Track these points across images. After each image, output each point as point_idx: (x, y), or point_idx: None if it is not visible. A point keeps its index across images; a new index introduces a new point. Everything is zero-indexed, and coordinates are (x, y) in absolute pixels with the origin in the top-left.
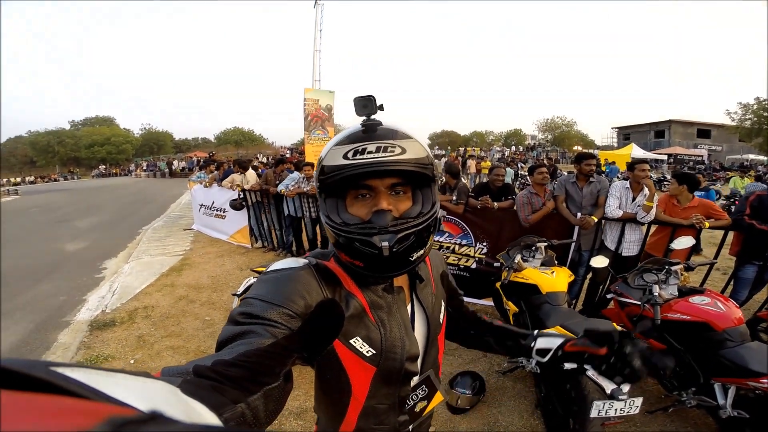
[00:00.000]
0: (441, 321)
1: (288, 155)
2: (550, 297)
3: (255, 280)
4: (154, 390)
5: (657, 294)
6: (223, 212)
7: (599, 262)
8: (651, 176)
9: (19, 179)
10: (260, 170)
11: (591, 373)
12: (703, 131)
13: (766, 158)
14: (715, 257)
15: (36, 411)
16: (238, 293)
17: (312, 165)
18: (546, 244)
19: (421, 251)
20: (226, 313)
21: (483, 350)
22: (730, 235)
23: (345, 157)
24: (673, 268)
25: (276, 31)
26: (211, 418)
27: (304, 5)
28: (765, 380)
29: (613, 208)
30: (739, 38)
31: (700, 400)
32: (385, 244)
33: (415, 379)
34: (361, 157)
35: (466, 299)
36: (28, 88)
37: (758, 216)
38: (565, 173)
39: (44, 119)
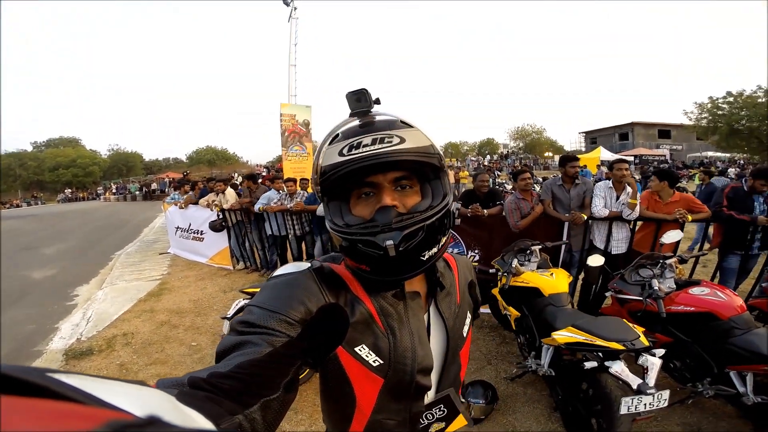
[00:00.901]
0: (465, 335)
1: (264, 173)
2: (553, 299)
3: (245, 301)
4: (150, 397)
5: (657, 288)
6: (201, 234)
7: (595, 261)
8: (633, 175)
9: None
10: (239, 189)
11: (615, 369)
12: (664, 132)
13: (723, 155)
14: (699, 249)
15: (36, 415)
16: (228, 316)
17: (293, 180)
18: (540, 246)
19: (435, 249)
20: (214, 338)
21: None
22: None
23: (341, 153)
24: (668, 261)
25: (248, 47)
26: (207, 426)
27: (278, 19)
28: None
29: (599, 207)
30: (705, 38)
31: (717, 390)
32: (390, 242)
33: (430, 395)
34: (357, 151)
35: None
36: None
37: (735, 207)
38: (540, 178)
39: (4, 141)
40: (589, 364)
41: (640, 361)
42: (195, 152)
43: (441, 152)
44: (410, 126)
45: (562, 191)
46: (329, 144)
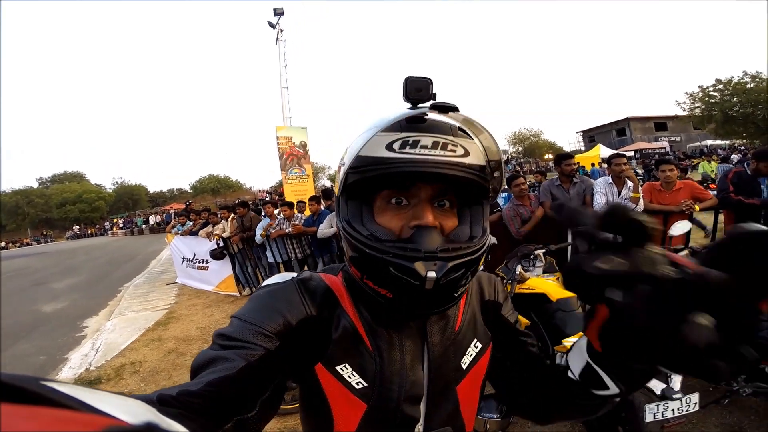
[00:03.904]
0: (464, 367)
1: (267, 198)
2: (562, 304)
3: None
4: (137, 408)
5: None
6: (206, 263)
7: None
8: (636, 170)
9: None
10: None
11: None
12: (660, 124)
13: (723, 142)
14: (713, 239)
15: (35, 421)
16: None
17: (289, 205)
18: (544, 250)
19: (467, 286)
20: None
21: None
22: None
23: (390, 148)
24: (681, 254)
25: (240, 71)
26: None
27: (266, 43)
28: None
29: (601, 204)
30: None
31: (756, 387)
32: (432, 274)
33: (419, 430)
34: (411, 150)
35: None
36: None
37: (741, 191)
38: (532, 179)
39: (9, 178)
40: None
41: None
42: (198, 181)
43: (490, 173)
44: (471, 138)
45: (561, 191)
46: (380, 131)
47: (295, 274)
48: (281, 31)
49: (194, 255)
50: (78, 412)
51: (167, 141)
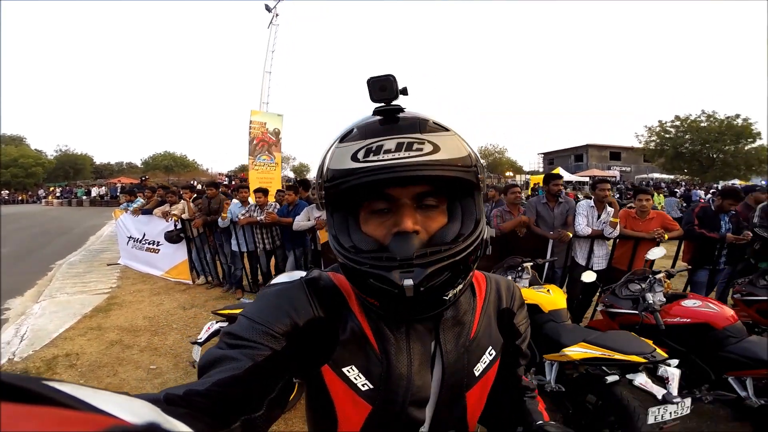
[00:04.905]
0: (477, 374)
1: (226, 182)
2: (554, 315)
3: (220, 324)
4: (140, 408)
5: (652, 301)
6: (157, 245)
7: (588, 277)
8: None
9: None
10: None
11: (639, 381)
12: (615, 154)
13: (667, 176)
14: (673, 266)
15: (37, 421)
16: (200, 341)
17: (263, 191)
18: (531, 263)
19: (461, 286)
20: (175, 360)
21: None
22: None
23: (354, 158)
24: (657, 276)
25: (217, 50)
26: None
27: (256, 25)
28: None
29: (582, 226)
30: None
31: (716, 395)
32: (409, 282)
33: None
34: (375, 158)
35: None
36: None
37: (705, 225)
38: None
39: None
40: (611, 378)
41: (660, 372)
42: (151, 157)
43: (479, 163)
44: (445, 129)
45: (547, 209)
46: (341, 141)
47: (303, 274)
48: (276, 15)
49: (143, 235)
50: (80, 411)
51: (122, 110)
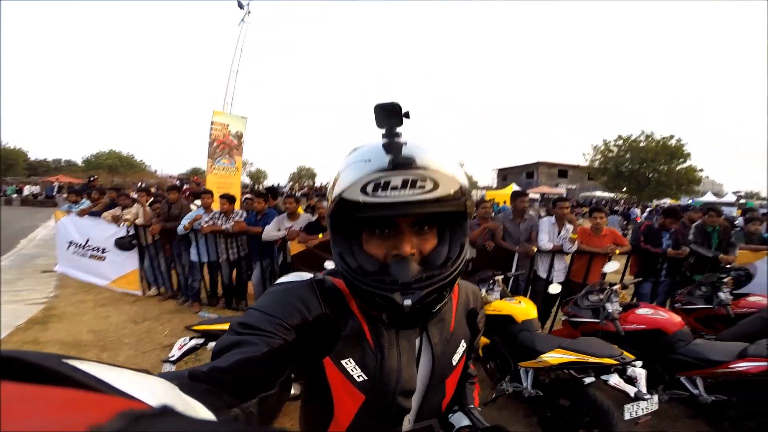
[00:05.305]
0: (454, 363)
1: (178, 184)
2: (526, 325)
3: (196, 341)
4: (157, 386)
5: (612, 311)
6: (102, 252)
7: (555, 289)
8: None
9: None
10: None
11: (613, 381)
12: (563, 171)
13: (608, 194)
14: (622, 278)
15: (47, 404)
16: (172, 359)
17: (229, 198)
18: (502, 276)
19: (445, 300)
20: None
21: None
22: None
23: (364, 191)
24: (614, 287)
25: (175, 44)
26: (210, 417)
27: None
28: (734, 365)
29: (544, 241)
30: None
31: (672, 395)
32: (408, 302)
33: (409, 420)
34: (383, 193)
35: None
36: None
37: (649, 241)
38: None
39: None
40: (588, 380)
41: (629, 372)
42: (94, 156)
43: (468, 191)
44: (442, 166)
45: (513, 225)
46: (353, 165)
47: (311, 275)
48: (249, 13)
49: (87, 241)
50: (95, 392)
51: (63, 102)
